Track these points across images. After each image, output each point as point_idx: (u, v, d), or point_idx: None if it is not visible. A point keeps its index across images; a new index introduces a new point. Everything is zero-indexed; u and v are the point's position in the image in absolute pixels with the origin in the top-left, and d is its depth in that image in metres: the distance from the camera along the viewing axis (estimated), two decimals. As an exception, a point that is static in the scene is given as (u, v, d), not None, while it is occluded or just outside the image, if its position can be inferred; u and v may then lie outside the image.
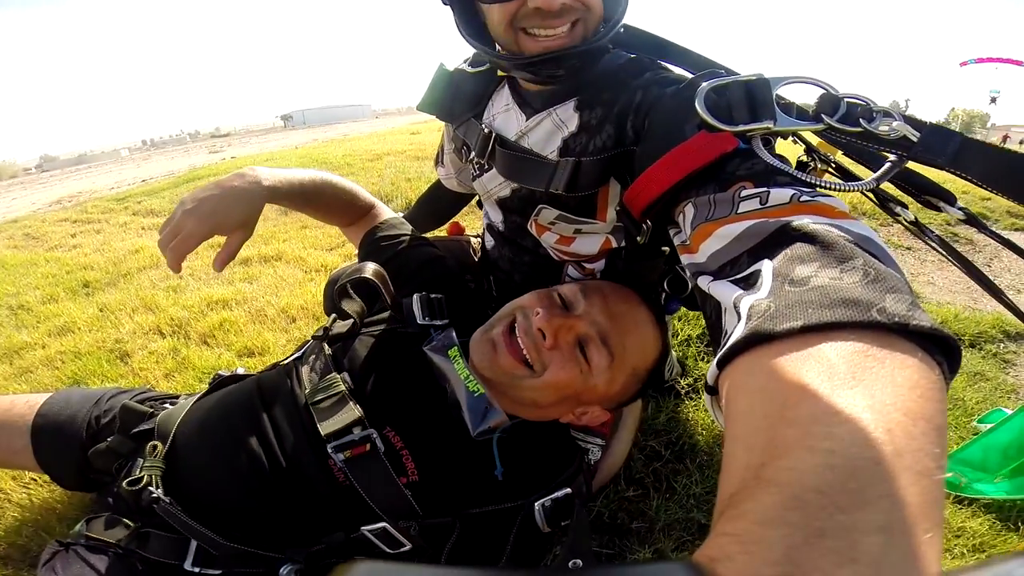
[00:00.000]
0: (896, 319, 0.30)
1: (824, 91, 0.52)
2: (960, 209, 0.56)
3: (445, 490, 0.72)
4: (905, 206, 0.61)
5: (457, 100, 0.89)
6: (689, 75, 0.67)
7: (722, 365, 0.35)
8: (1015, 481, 0.96)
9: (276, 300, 1.81)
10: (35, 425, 0.84)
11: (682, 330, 1.44)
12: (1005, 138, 29.27)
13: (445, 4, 0.72)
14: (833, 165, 0.70)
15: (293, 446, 0.71)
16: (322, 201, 0.96)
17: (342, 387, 0.73)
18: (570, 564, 0.60)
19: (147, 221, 3.36)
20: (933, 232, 0.63)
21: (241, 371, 1.00)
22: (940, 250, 0.61)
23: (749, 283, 0.39)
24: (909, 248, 2.20)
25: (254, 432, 0.73)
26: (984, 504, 0.98)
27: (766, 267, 0.39)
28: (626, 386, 0.75)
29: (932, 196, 0.57)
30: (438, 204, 1.31)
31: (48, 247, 2.94)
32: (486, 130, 0.81)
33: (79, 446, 0.82)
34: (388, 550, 0.70)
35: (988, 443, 1.04)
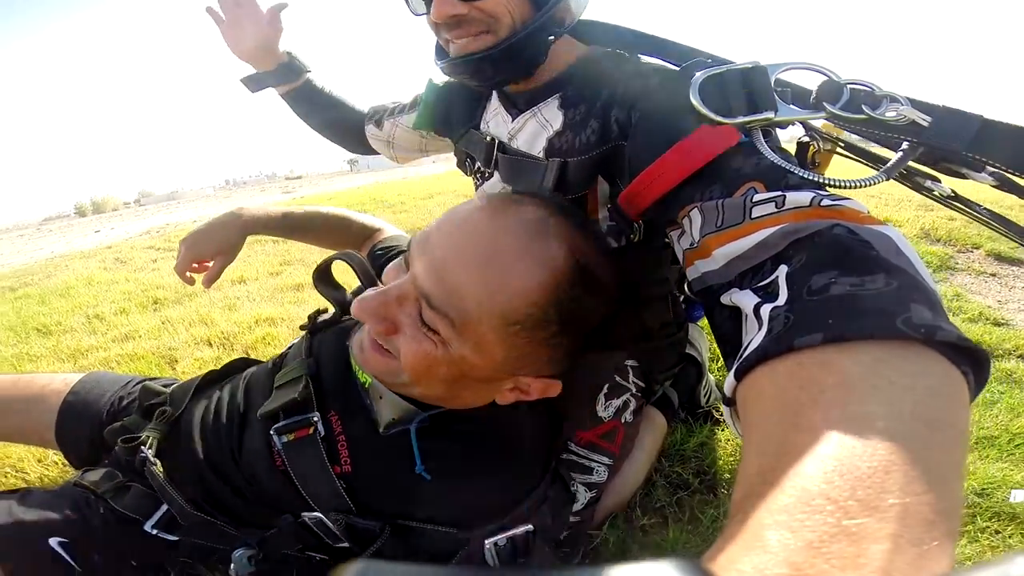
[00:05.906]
0: (922, 331, 0.29)
1: (825, 78, 0.49)
2: (991, 174, 0.47)
3: (375, 486, 0.64)
4: (937, 179, 0.54)
5: (453, 113, 0.88)
6: (671, 65, 0.64)
7: (740, 376, 0.35)
8: None
9: (319, 318, 1.86)
10: (65, 402, 0.87)
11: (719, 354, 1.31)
12: None
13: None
14: (842, 144, 0.65)
15: (251, 427, 0.71)
16: (310, 229, 1.09)
17: (301, 370, 0.71)
18: None
19: (217, 248, 3.63)
20: (980, 206, 0.55)
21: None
22: (992, 223, 0.55)
23: (768, 291, 0.38)
24: (993, 275, 1.96)
25: (225, 412, 0.74)
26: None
27: (782, 273, 0.38)
28: (513, 343, 0.52)
29: (953, 164, 0.50)
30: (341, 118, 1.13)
31: (132, 269, 3.23)
32: (488, 138, 0.80)
33: (98, 424, 0.84)
34: (332, 543, 0.64)
35: None
